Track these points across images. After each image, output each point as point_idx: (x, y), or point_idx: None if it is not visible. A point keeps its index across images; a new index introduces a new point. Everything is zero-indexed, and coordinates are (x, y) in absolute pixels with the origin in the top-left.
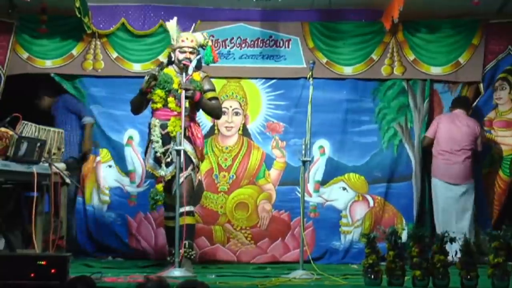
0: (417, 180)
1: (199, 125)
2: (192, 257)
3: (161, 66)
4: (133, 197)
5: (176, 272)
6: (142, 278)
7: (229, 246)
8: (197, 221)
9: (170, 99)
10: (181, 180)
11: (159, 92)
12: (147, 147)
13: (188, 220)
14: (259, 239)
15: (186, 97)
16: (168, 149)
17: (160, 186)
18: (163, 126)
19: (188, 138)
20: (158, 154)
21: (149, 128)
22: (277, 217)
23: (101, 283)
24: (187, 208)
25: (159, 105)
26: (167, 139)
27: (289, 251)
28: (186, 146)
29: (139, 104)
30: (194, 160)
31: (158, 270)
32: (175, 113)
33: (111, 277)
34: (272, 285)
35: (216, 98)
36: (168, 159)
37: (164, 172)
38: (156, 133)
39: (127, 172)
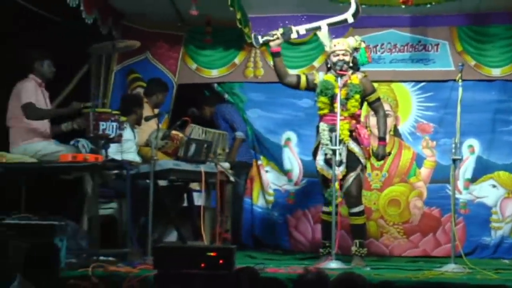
0: None
1: (364, 126)
2: (363, 255)
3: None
4: (292, 195)
5: (333, 264)
6: (302, 270)
7: (382, 240)
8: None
9: (336, 104)
10: (350, 180)
11: (323, 99)
12: (315, 150)
13: (358, 220)
14: (411, 234)
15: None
16: (338, 150)
17: (337, 185)
18: (332, 130)
19: (355, 140)
20: (329, 156)
21: (317, 132)
22: (428, 214)
23: (264, 273)
24: (357, 209)
25: (325, 111)
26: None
27: (440, 246)
28: (354, 147)
29: (278, 70)
30: (362, 160)
31: (315, 262)
32: (342, 117)
33: (273, 267)
34: (425, 278)
35: (378, 100)
36: (338, 159)
37: (336, 172)
38: (326, 136)
39: (285, 172)
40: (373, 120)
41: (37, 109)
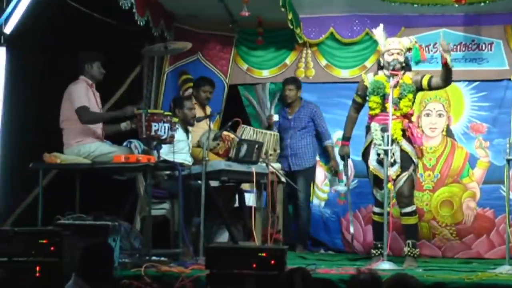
0: None
1: (417, 125)
2: (416, 255)
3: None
4: (342, 196)
5: (385, 265)
6: (354, 270)
7: (434, 241)
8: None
9: (388, 104)
10: (403, 180)
11: (374, 98)
12: (365, 150)
13: (410, 220)
14: (464, 235)
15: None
16: (390, 150)
17: (390, 185)
18: (384, 130)
19: (408, 139)
20: (382, 156)
21: (367, 132)
22: (482, 215)
23: (316, 274)
24: (409, 209)
25: (377, 111)
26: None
27: (494, 248)
28: (406, 147)
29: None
30: (414, 160)
31: (367, 263)
32: (394, 116)
33: (325, 268)
34: (479, 280)
35: (432, 76)
36: (391, 160)
37: (390, 172)
38: (378, 136)
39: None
40: (425, 120)
41: (91, 113)
